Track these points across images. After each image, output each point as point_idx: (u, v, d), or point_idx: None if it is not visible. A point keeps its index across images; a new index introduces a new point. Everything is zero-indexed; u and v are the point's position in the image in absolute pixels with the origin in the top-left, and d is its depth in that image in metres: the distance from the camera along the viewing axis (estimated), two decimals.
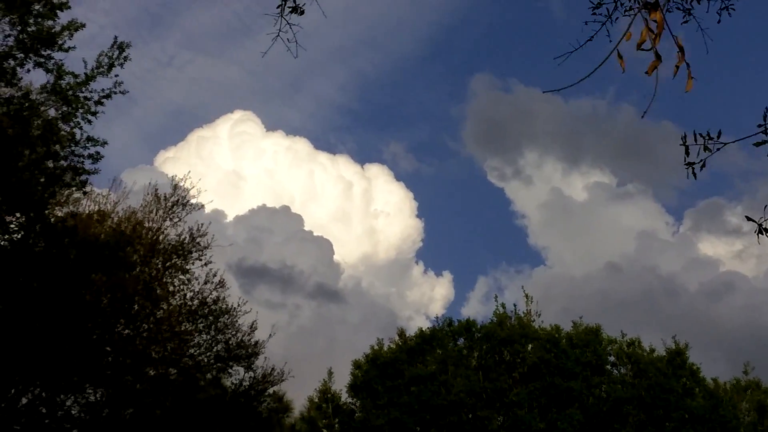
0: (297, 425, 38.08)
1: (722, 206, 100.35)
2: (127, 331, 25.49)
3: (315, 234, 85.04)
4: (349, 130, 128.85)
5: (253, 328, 27.54)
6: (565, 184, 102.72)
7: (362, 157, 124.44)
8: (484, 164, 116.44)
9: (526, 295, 41.18)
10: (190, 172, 27.16)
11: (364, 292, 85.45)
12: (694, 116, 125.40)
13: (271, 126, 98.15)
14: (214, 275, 27.16)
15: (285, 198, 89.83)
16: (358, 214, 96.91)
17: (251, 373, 27.62)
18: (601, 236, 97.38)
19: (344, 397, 39.61)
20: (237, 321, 27.21)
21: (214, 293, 27.10)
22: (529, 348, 39.21)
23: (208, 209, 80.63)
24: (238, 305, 27.42)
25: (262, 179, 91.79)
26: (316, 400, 39.38)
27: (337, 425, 38.30)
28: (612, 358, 40.45)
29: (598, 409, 37.32)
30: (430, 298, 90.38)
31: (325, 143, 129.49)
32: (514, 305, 40.68)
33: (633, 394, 37.88)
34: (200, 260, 27.03)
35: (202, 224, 27.10)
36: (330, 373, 39.94)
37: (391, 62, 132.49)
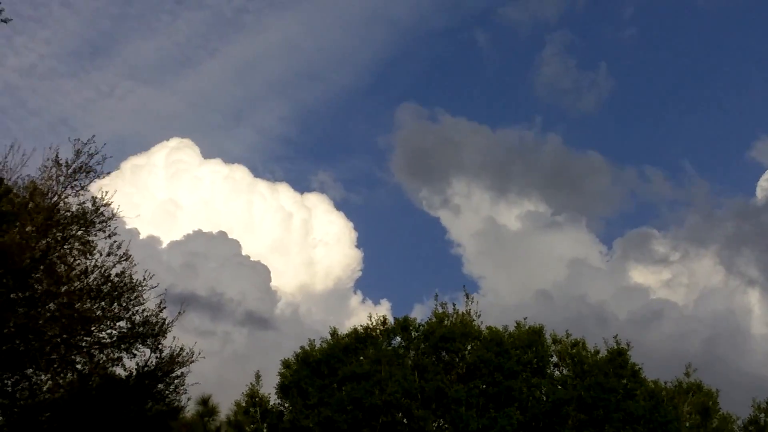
0: (223, 429, 34.61)
1: (650, 235, 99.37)
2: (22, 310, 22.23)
3: (252, 259, 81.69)
4: (290, 159, 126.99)
5: (161, 307, 24.39)
6: (497, 213, 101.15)
7: (302, 186, 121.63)
8: (416, 194, 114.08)
9: (467, 294, 38.50)
10: (94, 136, 23.86)
11: (301, 320, 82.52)
12: (619, 147, 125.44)
13: (209, 154, 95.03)
14: (119, 247, 23.93)
15: (223, 226, 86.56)
16: (297, 243, 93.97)
17: (157, 354, 24.38)
18: (534, 265, 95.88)
19: (273, 399, 36.35)
20: (142, 297, 23.99)
21: (119, 267, 23.86)
22: (469, 347, 36.47)
23: (143, 235, 78.22)
24: (144, 279, 24.19)
25: (198, 207, 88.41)
26: (244, 404, 35.99)
27: (265, 429, 34.93)
28: (554, 359, 37.88)
29: (538, 410, 34.73)
30: None
31: (264, 172, 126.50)
32: (454, 304, 38.02)
33: (573, 395, 35.42)
34: (103, 232, 23.80)
35: (106, 192, 23.89)
36: (258, 377, 36.71)
37: (331, 94, 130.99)
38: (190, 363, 24.80)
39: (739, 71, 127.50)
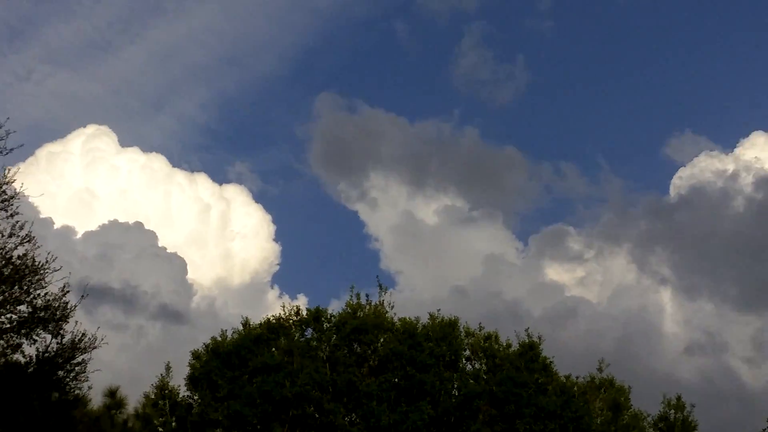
0: (130, 422, 33.73)
1: (565, 232, 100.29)
2: None
3: (168, 251, 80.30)
4: (209, 149, 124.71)
5: (64, 291, 23.50)
6: (414, 207, 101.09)
7: (220, 177, 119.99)
8: (333, 186, 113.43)
9: (380, 285, 38.14)
10: (8, 118, 22.90)
11: (217, 314, 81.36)
12: (536, 141, 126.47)
13: (127, 142, 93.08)
14: (21, 228, 22.99)
15: (139, 216, 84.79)
16: (215, 235, 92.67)
17: (58, 340, 23.47)
18: (450, 260, 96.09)
19: (183, 392, 35.46)
20: (45, 281, 23.10)
21: (21, 249, 22.93)
22: (382, 340, 36.12)
23: (57, 224, 76.24)
24: (47, 262, 23.28)
25: (115, 197, 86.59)
26: (153, 396, 35.06)
27: (174, 423, 34.07)
28: (467, 352, 37.73)
29: (449, 404, 34.56)
30: None
31: (182, 162, 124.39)
32: (367, 295, 37.52)
33: (485, 389, 35.32)
34: (5, 211, 22.84)
35: (8, 169, 22.93)
36: (168, 368, 35.76)
37: (252, 81, 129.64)
38: (92, 349, 23.94)
39: (655, 68, 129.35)
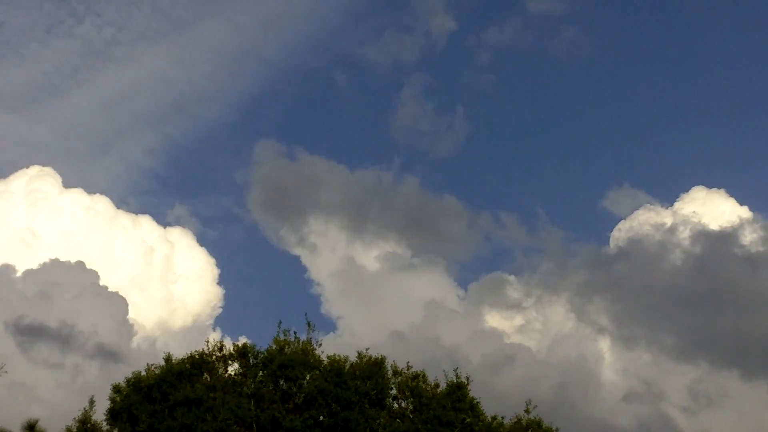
0: None
1: (504, 280, 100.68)
2: None
3: (110, 290, 79.22)
4: (154, 193, 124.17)
5: None
6: (355, 252, 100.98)
7: (164, 220, 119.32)
8: (273, 231, 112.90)
9: (308, 322, 37.63)
10: None
11: (157, 355, 79.93)
12: (475, 191, 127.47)
13: (71, 184, 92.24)
14: None
15: (82, 256, 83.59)
16: (157, 277, 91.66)
17: None
18: (391, 306, 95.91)
19: (105, 426, 34.61)
20: None
21: None
22: (308, 377, 35.60)
23: None
24: None
25: (57, 237, 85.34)
26: (74, 430, 34.21)
27: None
28: (394, 391, 37.30)
29: None
30: None
31: (127, 204, 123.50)
32: (294, 332, 36.99)
33: (410, 428, 34.92)
34: None
35: None
36: (91, 402, 34.94)
37: (198, 128, 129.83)
38: None
39: (592, 121, 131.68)
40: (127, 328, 79.38)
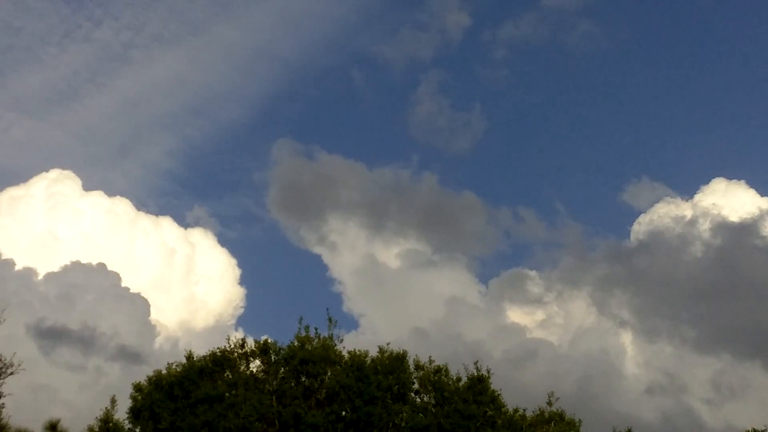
0: None
1: (525, 276, 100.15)
2: None
3: (132, 291, 79.43)
4: (174, 194, 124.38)
5: None
6: (375, 250, 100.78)
7: (185, 221, 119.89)
8: (293, 231, 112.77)
9: (330, 318, 37.46)
10: None
11: (180, 355, 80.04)
12: (493, 187, 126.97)
13: (91, 187, 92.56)
14: None
15: (103, 259, 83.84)
16: (179, 278, 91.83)
17: None
18: (412, 303, 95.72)
19: (127, 424, 34.63)
20: None
21: None
22: (329, 372, 35.48)
23: (19, 266, 75.40)
24: None
25: (78, 240, 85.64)
26: (96, 429, 34.23)
27: None
28: (416, 385, 37.15)
29: None
30: None
31: (147, 206, 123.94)
32: (316, 328, 36.79)
33: (433, 422, 34.78)
34: None
35: None
36: (113, 401, 34.96)
37: (217, 129, 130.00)
38: (10, 374, 23.13)
39: (609, 115, 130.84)
40: (149, 329, 79.69)
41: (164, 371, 35.18)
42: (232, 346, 35.38)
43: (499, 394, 37.17)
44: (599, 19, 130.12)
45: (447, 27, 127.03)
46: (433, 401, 36.76)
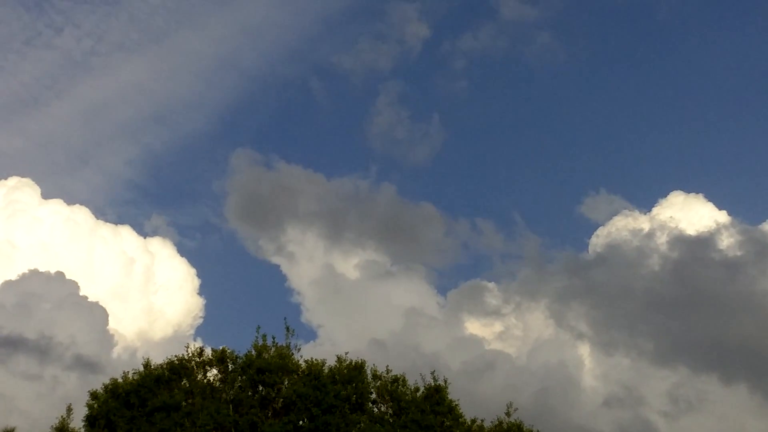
0: None
1: (483, 287, 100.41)
2: None
3: (90, 300, 78.69)
4: (134, 203, 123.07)
5: None
6: (334, 261, 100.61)
7: (144, 230, 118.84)
8: (251, 241, 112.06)
9: (287, 327, 37.40)
10: None
11: (138, 365, 79.39)
12: (452, 198, 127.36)
13: (50, 195, 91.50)
14: None
15: (61, 267, 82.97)
16: (138, 288, 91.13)
17: None
18: (370, 314, 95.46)
19: None
20: None
21: None
22: (286, 382, 35.40)
23: None
24: None
25: (36, 248, 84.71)
26: None
27: None
28: (373, 395, 37.16)
29: None
30: None
31: (107, 215, 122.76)
32: (273, 337, 36.75)
33: (390, 431, 34.76)
34: None
35: None
36: (69, 409, 34.62)
37: (177, 138, 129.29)
38: None
39: (568, 127, 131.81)
40: (107, 338, 78.91)
41: (120, 380, 34.94)
42: (190, 354, 35.22)
43: (456, 405, 37.31)
44: (558, 31, 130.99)
45: (406, 38, 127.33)
46: (390, 411, 36.79)
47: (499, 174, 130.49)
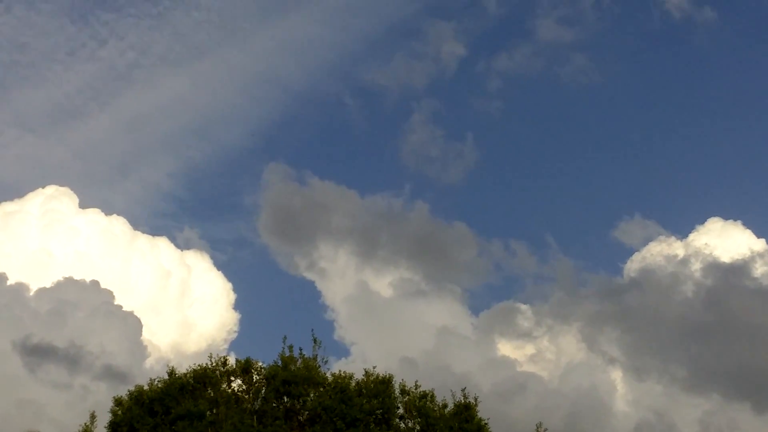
0: None
1: (515, 309, 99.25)
2: None
3: (124, 309, 78.65)
4: (172, 216, 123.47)
5: None
6: (368, 278, 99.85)
7: (180, 243, 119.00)
8: (285, 257, 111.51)
9: (315, 339, 36.73)
10: None
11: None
12: (485, 219, 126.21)
13: (88, 205, 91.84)
14: None
15: (96, 276, 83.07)
16: (173, 300, 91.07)
17: None
18: (403, 332, 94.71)
19: None
20: None
21: None
22: (312, 394, 34.71)
23: (11, 281, 74.75)
24: None
25: (72, 257, 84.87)
26: None
27: None
28: (401, 410, 36.35)
29: None
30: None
31: (144, 227, 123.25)
32: (300, 348, 36.10)
33: None
34: None
35: None
36: (93, 417, 34.19)
37: (218, 152, 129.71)
38: None
39: (603, 149, 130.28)
40: (140, 349, 78.84)
41: (146, 387, 34.47)
42: (215, 363, 34.68)
43: (486, 423, 36.40)
44: (594, 52, 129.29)
45: (442, 56, 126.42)
46: (417, 427, 35.97)
47: (532, 195, 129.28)
